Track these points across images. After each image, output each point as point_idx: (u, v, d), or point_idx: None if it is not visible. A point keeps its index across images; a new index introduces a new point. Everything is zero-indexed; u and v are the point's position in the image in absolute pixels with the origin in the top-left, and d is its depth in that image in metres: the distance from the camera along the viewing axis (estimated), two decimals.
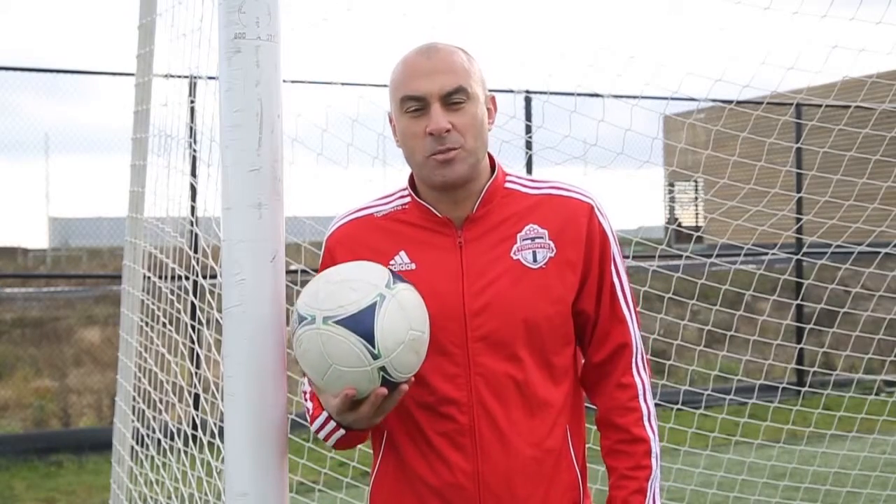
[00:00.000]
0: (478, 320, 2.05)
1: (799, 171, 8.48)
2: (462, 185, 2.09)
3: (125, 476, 4.53)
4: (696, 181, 19.44)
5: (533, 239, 2.10)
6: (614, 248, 2.16)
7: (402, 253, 2.12)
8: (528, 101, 8.31)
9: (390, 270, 1.98)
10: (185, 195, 4.21)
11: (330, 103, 4.96)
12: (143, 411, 4.38)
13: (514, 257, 2.09)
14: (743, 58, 5.36)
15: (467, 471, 2.06)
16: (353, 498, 5.57)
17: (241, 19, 2.04)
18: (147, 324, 4.42)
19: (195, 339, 4.39)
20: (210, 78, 3.48)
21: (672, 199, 19.99)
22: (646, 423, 2.15)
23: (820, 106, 6.03)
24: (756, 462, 6.28)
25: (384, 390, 1.90)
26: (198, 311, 4.04)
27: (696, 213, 21.30)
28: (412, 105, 2.06)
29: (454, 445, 2.06)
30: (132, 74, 4.61)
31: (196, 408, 4.36)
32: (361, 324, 1.86)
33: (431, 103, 2.04)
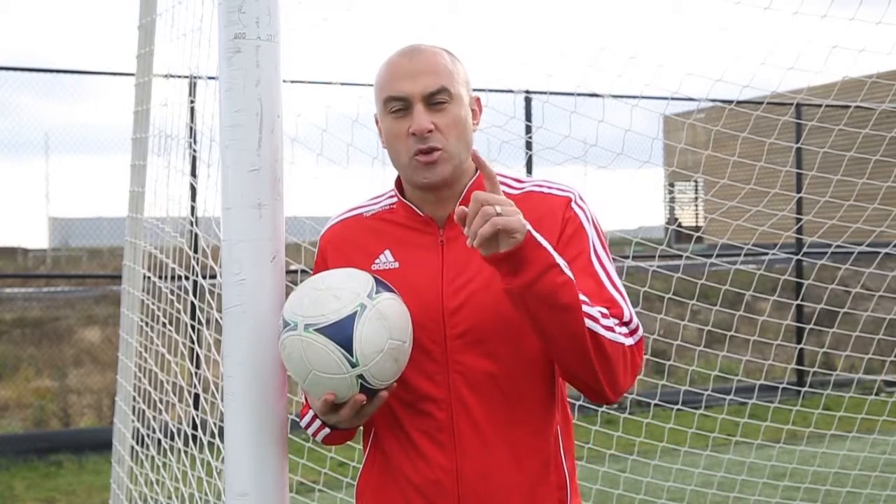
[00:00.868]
0: (456, 318, 2.06)
1: (799, 171, 8.48)
2: (445, 186, 2.10)
3: (125, 476, 4.53)
4: (696, 181, 19.45)
5: None
6: (591, 234, 2.10)
7: (387, 252, 2.15)
8: (528, 101, 8.30)
9: (375, 279, 2.00)
10: (185, 195, 4.21)
11: (330, 103, 4.97)
12: (143, 411, 4.38)
13: None
14: (743, 58, 5.37)
15: (447, 467, 2.07)
16: (352, 498, 5.55)
17: (241, 19, 2.04)
18: (147, 324, 4.43)
19: (195, 339, 4.40)
20: (210, 78, 3.49)
21: (672, 200, 20.00)
22: (625, 324, 2.04)
23: (820, 106, 6.03)
24: (756, 462, 6.29)
25: (363, 397, 1.94)
26: (198, 311, 4.05)
27: (696, 213, 21.32)
28: (395, 105, 2.07)
29: (434, 442, 2.08)
30: (132, 74, 4.61)
31: (196, 408, 4.37)
32: (340, 332, 1.90)
33: (414, 104, 2.05)
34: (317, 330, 1.91)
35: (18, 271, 18.09)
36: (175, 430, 4.13)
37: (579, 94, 5.36)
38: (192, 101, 4.13)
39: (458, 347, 2.06)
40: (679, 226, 19.72)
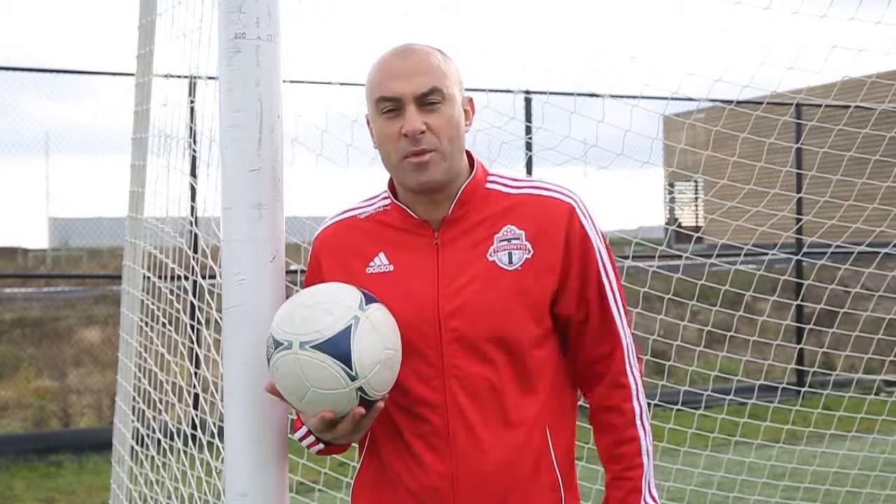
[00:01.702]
0: (451, 322, 2.04)
1: (799, 171, 8.47)
2: (438, 188, 2.07)
3: (125, 476, 4.53)
4: (696, 181, 19.45)
5: (510, 240, 2.07)
6: (599, 248, 2.12)
7: (382, 254, 2.12)
8: (528, 101, 8.30)
9: (362, 291, 1.99)
10: (185, 195, 4.21)
11: (329, 104, 4.97)
12: (143, 411, 4.38)
13: (490, 259, 2.07)
14: (743, 58, 5.38)
15: (442, 472, 2.05)
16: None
17: (241, 19, 2.04)
18: (147, 324, 4.43)
19: (195, 339, 4.40)
20: (210, 78, 3.48)
21: (672, 200, 20.00)
22: (638, 422, 2.15)
23: (820, 106, 6.03)
24: (756, 462, 6.28)
25: (362, 409, 1.94)
26: (197, 311, 4.05)
27: (696, 214, 21.33)
28: (387, 106, 2.04)
29: (429, 447, 2.06)
30: (132, 74, 4.61)
31: (196, 408, 4.36)
32: (338, 347, 1.89)
33: (406, 104, 2.02)
34: (313, 347, 1.89)
35: (18, 271, 18.10)
36: (175, 430, 4.13)
37: (579, 95, 5.36)
38: (192, 101, 4.12)
39: (454, 352, 2.05)
40: (679, 226, 19.72)
